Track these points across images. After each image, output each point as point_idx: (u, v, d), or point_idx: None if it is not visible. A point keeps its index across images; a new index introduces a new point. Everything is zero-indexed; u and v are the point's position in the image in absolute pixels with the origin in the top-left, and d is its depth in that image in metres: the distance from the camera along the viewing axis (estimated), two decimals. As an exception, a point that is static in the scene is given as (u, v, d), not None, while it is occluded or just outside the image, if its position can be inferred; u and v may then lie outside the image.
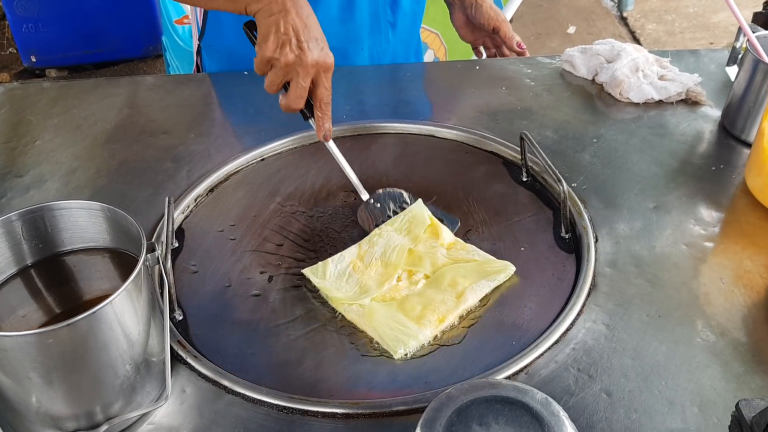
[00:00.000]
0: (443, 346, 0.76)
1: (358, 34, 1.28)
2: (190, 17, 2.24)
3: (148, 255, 0.65)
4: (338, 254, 0.87)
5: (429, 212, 0.92)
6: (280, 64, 0.86)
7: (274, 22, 0.86)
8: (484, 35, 1.37)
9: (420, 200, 0.94)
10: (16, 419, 0.64)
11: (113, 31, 3.09)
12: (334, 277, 0.84)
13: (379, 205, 0.95)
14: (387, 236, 0.89)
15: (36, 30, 3.02)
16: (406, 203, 0.95)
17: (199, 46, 1.33)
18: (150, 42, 3.19)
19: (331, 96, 0.91)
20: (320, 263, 0.86)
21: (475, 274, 0.83)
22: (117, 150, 1.06)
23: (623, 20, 4.02)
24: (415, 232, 0.89)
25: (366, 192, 0.95)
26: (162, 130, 1.10)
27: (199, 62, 1.35)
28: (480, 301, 0.81)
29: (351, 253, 0.87)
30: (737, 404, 0.54)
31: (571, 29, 3.90)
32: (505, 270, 0.84)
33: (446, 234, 0.89)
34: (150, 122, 1.12)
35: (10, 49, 3.40)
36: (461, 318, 0.79)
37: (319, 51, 0.87)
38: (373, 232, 0.89)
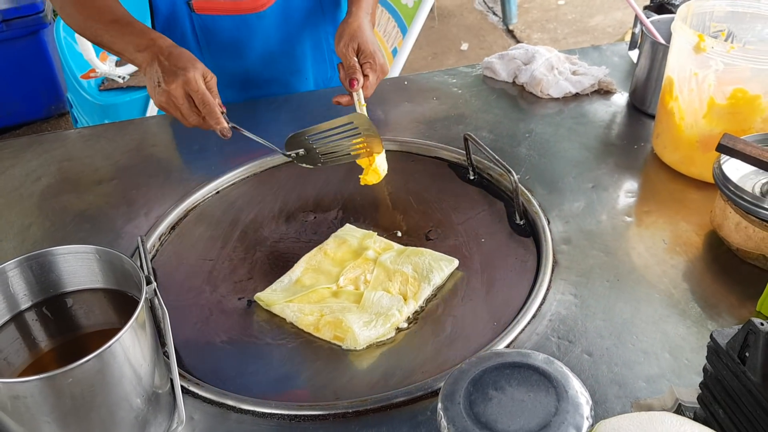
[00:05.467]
0: (431, 337, 0.81)
1: (300, 66, 1.33)
2: (97, 71, 2.22)
3: (146, 288, 0.67)
4: (285, 275, 0.91)
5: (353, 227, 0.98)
6: (163, 107, 0.99)
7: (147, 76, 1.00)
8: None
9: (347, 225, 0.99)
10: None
11: (10, 94, 2.99)
12: (280, 291, 0.89)
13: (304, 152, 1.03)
14: (333, 254, 0.94)
15: (-70, 100, 2.88)
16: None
17: None
18: (51, 101, 3.10)
19: (205, 98, 0.96)
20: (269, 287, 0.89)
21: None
22: (68, 201, 1.05)
23: (510, 33, 4.25)
24: (353, 246, 0.95)
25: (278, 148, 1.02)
26: (109, 177, 1.10)
27: None
28: (453, 292, 0.87)
29: (298, 269, 0.92)
30: (711, 335, 0.62)
31: (464, 46, 4.09)
32: (451, 263, 0.90)
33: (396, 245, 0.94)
34: (95, 171, 1.12)
35: None
36: (424, 307, 0.85)
37: (176, 77, 0.96)
38: (315, 251, 0.94)
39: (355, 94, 1.09)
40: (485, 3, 4.60)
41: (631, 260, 0.89)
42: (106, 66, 2.26)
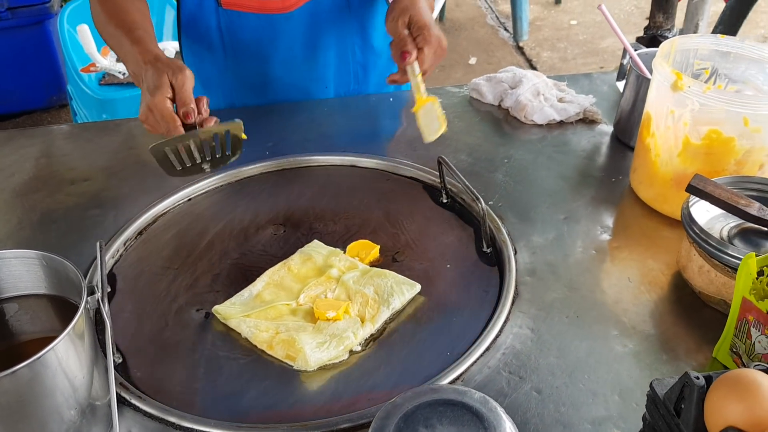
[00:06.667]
0: (383, 363, 0.80)
1: (322, 74, 1.30)
2: (98, 65, 2.23)
3: (88, 298, 0.66)
4: (246, 288, 0.90)
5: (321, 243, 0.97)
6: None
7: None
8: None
9: (315, 240, 0.98)
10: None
11: (13, 82, 3.01)
12: (239, 305, 0.88)
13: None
14: (296, 270, 0.93)
15: (-69, 84, 2.90)
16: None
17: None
18: (53, 92, 3.11)
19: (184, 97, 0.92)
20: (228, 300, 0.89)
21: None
22: (38, 200, 1.05)
23: (520, 50, 4.24)
24: (318, 263, 0.94)
25: None
26: (83, 177, 1.10)
27: None
28: (412, 317, 0.86)
29: (259, 283, 0.91)
30: (651, 384, 0.61)
31: (473, 60, 4.08)
32: (413, 287, 0.89)
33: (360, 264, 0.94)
34: (70, 170, 1.12)
35: None
36: (385, 328, 0.84)
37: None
38: (279, 266, 0.93)
39: (409, 68, 1.00)
40: (498, 18, 4.60)
41: (594, 297, 0.88)
42: (107, 61, 2.26)
